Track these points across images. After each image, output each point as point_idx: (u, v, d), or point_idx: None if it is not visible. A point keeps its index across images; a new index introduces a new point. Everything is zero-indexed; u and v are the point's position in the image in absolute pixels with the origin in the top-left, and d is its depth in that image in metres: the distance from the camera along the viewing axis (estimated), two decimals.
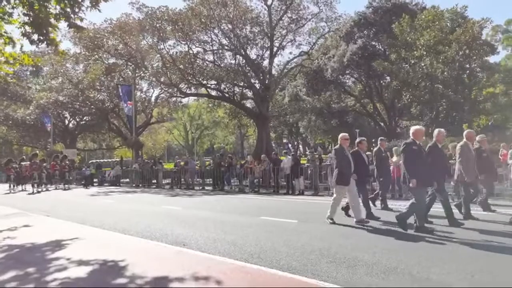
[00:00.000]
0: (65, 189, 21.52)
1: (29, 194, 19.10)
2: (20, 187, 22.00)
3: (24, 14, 7.21)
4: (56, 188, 21.94)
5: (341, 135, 8.08)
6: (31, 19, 7.12)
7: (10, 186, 21.47)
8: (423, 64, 23.94)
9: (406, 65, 27.10)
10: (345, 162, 7.62)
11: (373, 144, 51.30)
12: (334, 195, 7.88)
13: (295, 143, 64.90)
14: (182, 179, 20.99)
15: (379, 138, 9.07)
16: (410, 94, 26.60)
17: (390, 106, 34.04)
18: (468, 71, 26.75)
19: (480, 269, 4.43)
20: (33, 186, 20.49)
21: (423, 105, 25.95)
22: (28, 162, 27.37)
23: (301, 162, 16.79)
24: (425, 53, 23.71)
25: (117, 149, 53.59)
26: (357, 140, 8.98)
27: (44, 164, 22.58)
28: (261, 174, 16.87)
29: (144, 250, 5.70)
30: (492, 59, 33.82)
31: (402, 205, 9.37)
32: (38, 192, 19.88)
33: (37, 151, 30.27)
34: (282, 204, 12.06)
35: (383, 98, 34.41)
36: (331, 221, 7.57)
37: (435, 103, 24.61)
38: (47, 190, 21.01)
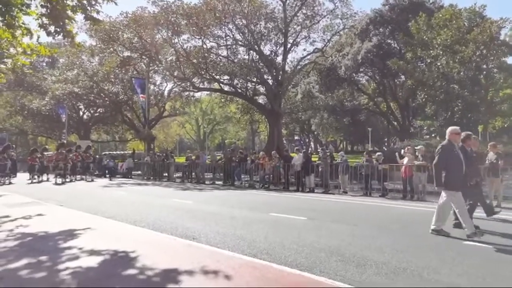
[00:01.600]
0: (88, 181, 21.21)
1: (55, 184, 18.99)
2: (43, 177, 21.84)
3: (42, 6, 7.30)
4: (80, 179, 21.72)
5: (450, 128, 6.52)
6: (48, 11, 7.21)
7: (33, 176, 21.22)
8: (439, 64, 23.56)
9: (422, 64, 26.71)
10: (455, 162, 6.19)
11: (385, 143, 50.98)
12: (441, 200, 6.46)
13: (307, 140, 64.68)
14: (193, 173, 21.09)
15: (472, 136, 7.32)
16: (425, 93, 26.22)
17: (404, 106, 33.68)
18: (485, 72, 26.24)
19: (493, 272, 4.37)
20: (58, 176, 20.25)
21: (438, 105, 25.56)
22: (51, 152, 27.56)
23: (312, 159, 16.72)
24: (441, 52, 23.33)
25: (129, 141, 54.15)
26: (463, 134, 6.89)
27: (71, 154, 22.30)
28: (271, 171, 16.87)
29: (154, 242, 5.76)
30: (510, 60, 33.22)
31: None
32: (63, 183, 19.61)
33: (64, 141, 30.28)
34: (292, 201, 12.05)
35: (397, 97, 34.05)
36: (435, 233, 6.29)
37: (450, 103, 24.23)
38: (70, 181, 20.80)
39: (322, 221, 7.74)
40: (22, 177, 22.43)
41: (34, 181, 20.71)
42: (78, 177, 22.13)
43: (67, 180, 20.78)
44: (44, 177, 21.92)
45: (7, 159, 20.53)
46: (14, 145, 33.55)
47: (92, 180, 21.50)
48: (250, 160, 18.49)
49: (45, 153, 24.03)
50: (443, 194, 6.38)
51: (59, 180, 19.98)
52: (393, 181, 13.56)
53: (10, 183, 19.73)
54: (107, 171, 25.72)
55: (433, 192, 12.14)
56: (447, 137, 6.40)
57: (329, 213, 8.94)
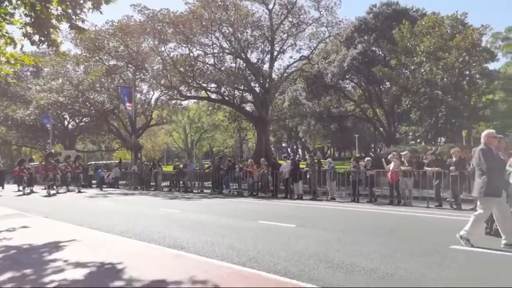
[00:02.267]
0: (78, 192, 20.36)
1: (46, 196, 17.90)
2: (30, 189, 20.89)
3: (26, 15, 7.22)
4: (68, 190, 20.74)
5: (487, 132, 6.21)
6: (32, 20, 7.13)
7: (21, 188, 20.38)
8: (422, 70, 24.00)
9: (406, 71, 27.19)
10: (496, 167, 5.90)
11: (372, 149, 51.44)
12: (479, 210, 5.94)
13: (295, 147, 64.92)
14: (181, 182, 20.96)
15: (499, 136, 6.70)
16: (409, 99, 26.66)
17: (390, 112, 34.13)
18: (467, 78, 26.81)
19: (480, 275, 4.43)
20: (49, 187, 19.09)
21: (423, 111, 26.02)
22: (37, 163, 26.55)
23: (300, 166, 16.78)
24: (425, 59, 23.77)
25: (116, 151, 53.58)
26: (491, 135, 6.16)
27: (61, 164, 21.33)
28: (259, 178, 16.86)
29: (141, 253, 5.68)
30: (492, 66, 33.95)
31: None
32: (54, 194, 18.68)
33: (52, 150, 29.49)
34: (281, 208, 12.04)
35: (383, 104, 34.50)
36: (465, 241, 5.83)
37: (434, 109, 24.69)
38: (57, 192, 19.53)
39: (310, 228, 7.75)
40: (9, 188, 21.83)
41: (25, 192, 19.88)
42: (69, 187, 21.45)
43: (60, 191, 19.97)
44: (30, 188, 21.06)
45: None
46: None
47: (80, 191, 20.61)
48: (239, 168, 18.47)
49: (32, 163, 23.36)
50: (483, 204, 5.87)
51: (50, 192, 18.96)
52: (380, 186, 13.69)
53: None
54: (95, 181, 25.13)
55: (419, 197, 12.33)
56: (483, 140, 6.05)
57: (318, 220, 8.95)
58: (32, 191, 20.27)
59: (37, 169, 23.26)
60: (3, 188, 21.06)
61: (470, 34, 23.09)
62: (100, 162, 48.52)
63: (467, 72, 26.18)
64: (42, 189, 20.15)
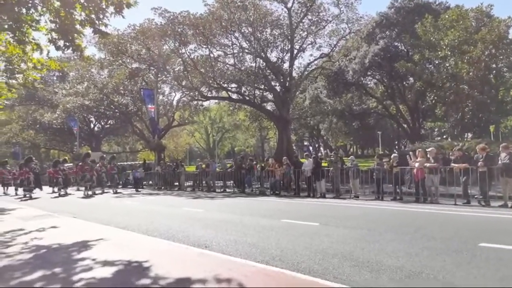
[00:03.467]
0: (114, 193, 20.31)
1: (82, 198, 17.87)
2: (65, 190, 20.59)
3: (51, 21, 7.45)
4: (103, 192, 20.46)
5: None
6: (57, 26, 7.35)
7: (59, 189, 20.14)
8: (447, 65, 23.39)
9: (430, 66, 26.54)
10: None
11: (396, 146, 50.50)
12: None
13: (316, 145, 64.45)
14: (204, 182, 21.16)
15: None
16: (434, 95, 26.02)
17: (414, 108, 33.39)
18: (494, 71, 25.96)
19: (510, 274, 4.29)
20: (86, 189, 18.99)
21: (448, 106, 25.31)
22: (71, 164, 26.88)
23: (322, 165, 16.64)
24: (449, 53, 23.16)
25: (140, 152, 54.55)
26: None
27: (98, 165, 21.06)
28: (282, 177, 16.83)
29: (167, 252, 5.77)
30: None
31: None
32: (91, 195, 18.58)
33: (89, 151, 29.83)
34: (303, 207, 11.99)
35: (406, 100, 33.79)
36: None
37: (460, 104, 23.97)
38: (94, 193, 19.32)
39: (334, 227, 7.68)
40: (44, 190, 22.21)
41: (60, 193, 19.72)
42: (105, 189, 21.20)
43: (96, 192, 19.80)
44: (66, 190, 20.84)
45: (29, 172, 19.52)
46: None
47: (116, 192, 20.59)
48: (260, 167, 18.50)
49: (66, 164, 23.33)
50: None
51: (88, 193, 18.95)
52: (405, 184, 13.42)
53: (30, 197, 18.55)
54: (131, 182, 24.84)
55: (446, 195, 12.02)
56: None
57: (341, 218, 8.86)
58: (66, 193, 20.20)
59: (72, 170, 23.33)
60: (41, 189, 21.23)
61: (496, 27, 22.34)
62: (125, 163, 49.53)
63: (494, 66, 25.35)
64: (76, 190, 20.41)
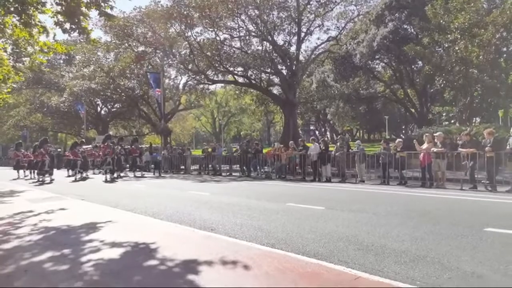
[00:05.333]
0: (138, 176, 19.69)
1: (106, 182, 17.11)
2: (86, 174, 20.17)
3: (57, 4, 7.41)
4: (124, 175, 19.56)
5: None
6: (63, 8, 7.32)
7: (74, 173, 19.47)
8: (457, 48, 22.94)
9: (440, 49, 26.06)
10: None
11: (403, 131, 50.15)
12: None
13: (323, 129, 64.26)
14: (210, 165, 21.26)
15: None
16: (443, 79, 25.61)
17: (422, 92, 33.01)
18: (505, 55, 25.42)
19: None
20: (107, 171, 18.13)
21: (457, 91, 24.96)
22: (89, 146, 26.08)
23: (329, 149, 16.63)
24: (459, 36, 22.68)
25: (146, 135, 54.81)
26: None
27: (119, 147, 19.92)
28: (288, 161, 16.85)
29: (173, 234, 5.84)
30: None
31: None
32: (113, 179, 17.85)
33: (111, 133, 28.25)
34: (309, 191, 12.03)
35: (415, 84, 33.37)
36: None
37: (469, 88, 23.61)
38: (118, 176, 18.73)
39: (339, 211, 7.71)
40: (59, 174, 21.31)
41: (77, 178, 19.12)
42: (123, 172, 20.52)
43: (121, 174, 19.25)
44: (84, 173, 20.20)
45: (45, 155, 18.41)
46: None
47: (142, 176, 19.93)
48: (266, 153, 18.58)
49: (84, 146, 22.37)
50: None
51: (109, 177, 18.09)
52: (412, 169, 13.39)
53: (51, 180, 17.99)
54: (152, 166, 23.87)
55: (452, 180, 11.98)
56: None
57: (347, 203, 8.89)
58: (86, 176, 19.78)
59: (89, 152, 22.67)
60: (52, 174, 19.14)
61: (508, 9, 21.79)
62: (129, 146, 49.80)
63: (504, 49, 24.81)
64: (93, 173, 20.01)
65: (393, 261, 4.30)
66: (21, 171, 22.55)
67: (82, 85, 34.93)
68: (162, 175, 21.30)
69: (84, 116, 40.05)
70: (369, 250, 4.74)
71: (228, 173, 19.75)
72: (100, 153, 20.52)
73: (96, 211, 8.25)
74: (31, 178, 20.42)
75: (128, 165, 21.74)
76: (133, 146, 21.96)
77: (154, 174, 22.03)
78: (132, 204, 9.39)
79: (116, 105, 46.23)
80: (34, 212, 8.09)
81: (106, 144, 19.11)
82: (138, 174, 20.90)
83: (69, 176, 20.77)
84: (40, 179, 18.30)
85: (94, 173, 21.96)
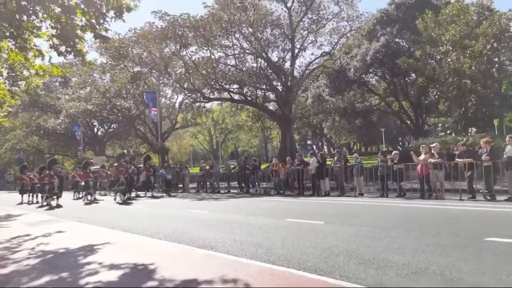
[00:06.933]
0: (148, 197, 18.56)
1: (119, 203, 16.00)
2: (93, 196, 18.28)
3: (52, 27, 7.48)
4: (128, 198, 17.52)
5: None
6: (58, 32, 7.38)
7: (88, 194, 17.93)
8: (449, 60, 23.26)
9: (432, 61, 26.40)
10: None
11: (400, 143, 50.24)
12: None
13: (320, 144, 64.38)
14: (208, 183, 21.17)
15: None
16: (437, 90, 25.88)
17: (417, 104, 33.26)
18: (497, 65, 25.82)
19: None
20: (119, 193, 16.85)
21: (451, 102, 25.17)
22: (97, 167, 24.75)
23: (327, 163, 16.63)
24: (451, 48, 23.03)
25: (143, 155, 54.65)
26: None
27: (133, 167, 18.67)
28: (286, 176, 16.82)
29: (172, 254, 5.78)
30: None
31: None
32: (125, 201, 16.52)
33: (124, 150, 27.54)
34: (308, 205, 11.98)
35: (409, 96, 33.66)
36: None
37: (463, 99, 23.83)
38: (129, 198, 17.39)
39: (339, 225, 7.67)
40: (65, 196, 18.89)
41: (88, 199, 17.80)
42: (141, 193, 19.56)
43: (132, 195, 18.26)
44: (93, 196, 18.49)
45: (53, 176, 16.61)
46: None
47: (153, 196, 18.69)
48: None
49: (93, 167, 21.28)
50: None
51: (120, 198, 16.79)
52: (410, 180, 13.39)
53: (57, 205, 16.05)
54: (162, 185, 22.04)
55: (451, 190, 11.97)
56: None
57: (346, 216, 8.85)
58: (96, 199, 18.30)
59: (98, 173, 22.13)
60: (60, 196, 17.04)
61: (498, 20, 22.20)
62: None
63: (496, 59, 25.20)
64: (101, 195, 19.62)
65: (394, 274, 4.26)
66: (25, 196, 20.90)
67: (79, 106, 35.07)
68: (155, 194, 19.88)
69: (81, 137, 40.03)
70: (371, 264, 4.70)
71: (226, 190, 19.67)
72: (109, 173, 19.77)
73: (94, 233, 8.16)
74: (37, 202, 19.12)
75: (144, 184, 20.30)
76: (146, 165, 20.76)
77: (168, 195, 19.93)
78: (130, 224, 9.29)
79: (112, 126, 46.35)
80: (31, 236, 7.99)
81: (119, 162, 18.01)
82: (149, 194, 19.44)
83: (77, 198, 19.61)
84: (46, 203, 16.82)
85: (100, 195, 20.95)
